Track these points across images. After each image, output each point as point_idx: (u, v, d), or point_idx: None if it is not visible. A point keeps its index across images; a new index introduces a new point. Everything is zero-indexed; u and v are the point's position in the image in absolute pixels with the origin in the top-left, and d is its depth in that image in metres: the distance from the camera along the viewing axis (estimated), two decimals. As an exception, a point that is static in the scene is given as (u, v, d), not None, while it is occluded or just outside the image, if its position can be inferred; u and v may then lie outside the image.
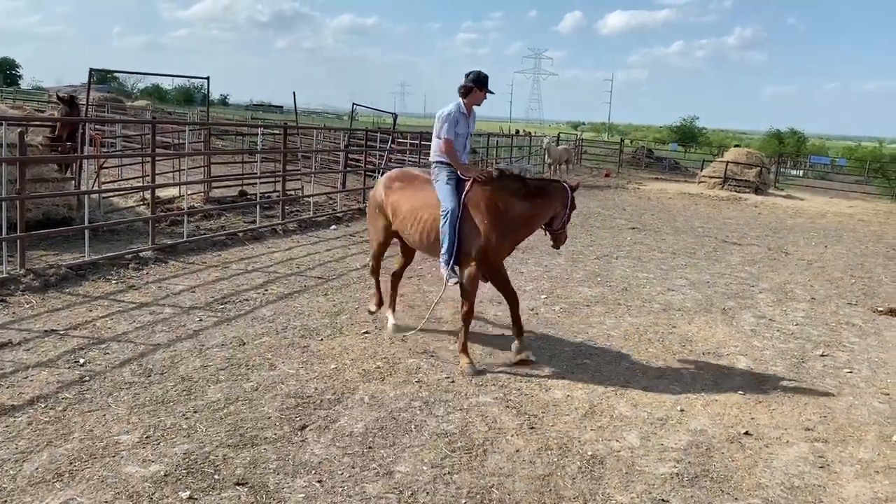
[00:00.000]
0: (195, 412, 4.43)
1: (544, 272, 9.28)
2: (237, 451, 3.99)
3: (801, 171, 42.90)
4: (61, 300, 6.50)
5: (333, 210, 13.18)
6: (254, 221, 11.00)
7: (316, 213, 12.52)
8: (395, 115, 21.19)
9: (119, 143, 18.37)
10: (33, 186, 8.37)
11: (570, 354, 6.11)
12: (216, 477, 3.71)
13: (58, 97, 12.56)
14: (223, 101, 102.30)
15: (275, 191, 13.53)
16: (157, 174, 9.35)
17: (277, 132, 20.00)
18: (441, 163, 5.66)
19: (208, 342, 5.71)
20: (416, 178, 5.98)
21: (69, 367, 4.98)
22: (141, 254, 8.26)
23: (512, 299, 5.81)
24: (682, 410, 5.06)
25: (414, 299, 7.44)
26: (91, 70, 11.92)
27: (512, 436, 4.46)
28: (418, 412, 4.69)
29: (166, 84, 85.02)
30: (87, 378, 4.82)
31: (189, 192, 11.86)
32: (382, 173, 6.89)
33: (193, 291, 7.15)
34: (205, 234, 9.83)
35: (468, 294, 5.55)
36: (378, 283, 6.45)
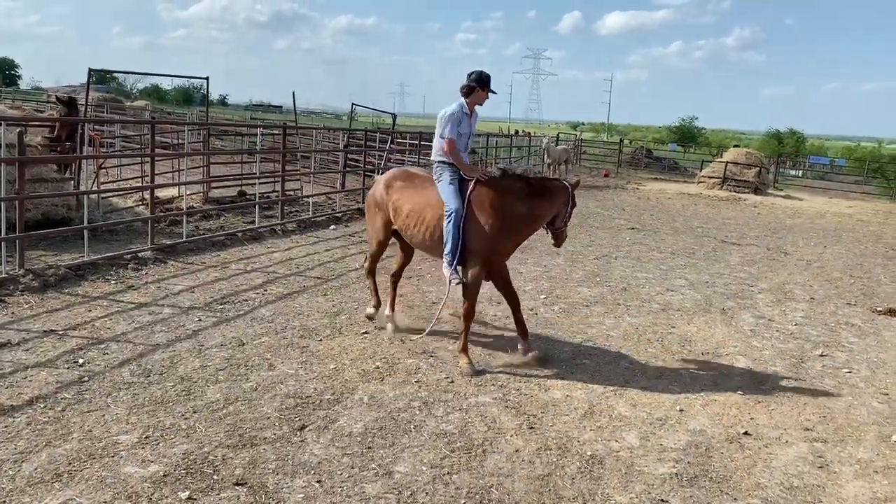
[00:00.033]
0: (194, 412, 4.43)
1: (543, 272, 9.29)
2: (236, 452, 3.99)
3: (801, 172, 42.94)
4: (60, 300, 6.50)
5: (333, 210, 13.18)
6: (253, 222, 10.99)
7: (315, 214, 12.52)
8: (394, 116, 21.20)
9: (118, 144, 18.35)
10: (32, 186, 8.36)
11: (570, 354, 6.11)
12: (215, 477, 3.71)
13: (57, 98, 12.57)
14: (222, 102, 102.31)
15: (274, 191, 13.53)
16: (157, 174, 9.34)
17: (276, 132, 20.01)
18: (443, 162, 5.65)
19: (207, 342, 5.71)
20: (417, 177, 5.98)
21: (68, 368, 4.98)
22: (140, 254, 8.25)
23: (513, 300, 5.82)
24: (681, 410, 5.06)
25: (413, 299, 7.44)
26: (90, 70, 11.92)
27: (511, 436, 4.46)
28: (417, 412, 4.69)
29: (165, 84, 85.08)
30: (86, 378, 4.82)
31: (188, 193, 11.85)
32: (381, 174, 6.88)
33: (192, 292, 7.14)
34: (204, 234, 9.83)
35: (470, 294, 5.56)
36: (375, 284, 6.42)
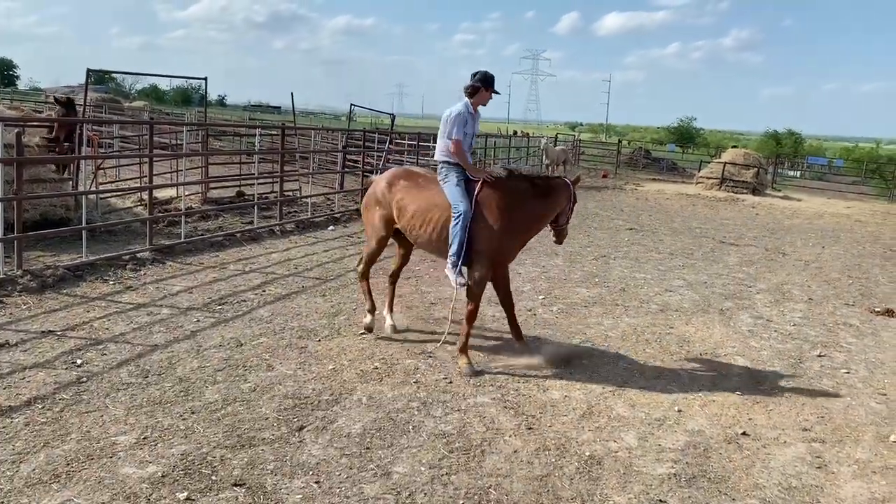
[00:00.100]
0: (192, 413, 4.43)
1: (542, 273, 9.29)
2: (235, 452, 3.98)
3: (799, 172, 43.03)
4: (58, 301, 6.49)
5: (331, 211, 13.18)
6: (251, 222, 10.99)
7: (314, 214, 12.52)
8: (392, 116, 21.19)
9: (117, 144, 18.34)
10: (31, 187, 8.36)
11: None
12: (214, 478, 3.71)
13: (55, 99, 12.55)
14: (221, 102, 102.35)
15: (272, 191, 13.53)
16: (155, 175, 9.33)
17: (275, 133, 20.00)
18: (449, 163, 5.64)
19: (206, 343, 5.70)
20: (420, 176, 5.96)
21: (66, 368, 4.98)
22: (138, 255, 8.25)
23: (509, 302, 5.84)
24: (679, 411, 5.06)
25: (412, 300, 7.44)
26: (88, 70, 11.92)
27: (510, 436, 4.46)
28: (416, 413, 4.69)
29: (164, 85, 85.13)
30: (85, 379, 4.81)
31: (187, 193, 11.86)
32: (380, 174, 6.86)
33: (191, 292, 7.14)
34: (202, 234, 9.83)
35: (475, 296, 5.56)
36: (369, 288, 6.25)
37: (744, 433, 4.77)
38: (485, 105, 5.80)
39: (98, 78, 47.41)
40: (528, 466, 4.10)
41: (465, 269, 5.54)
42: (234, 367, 5.24)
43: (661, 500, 3.85)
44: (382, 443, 4.23)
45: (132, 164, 14.52)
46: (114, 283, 7.21)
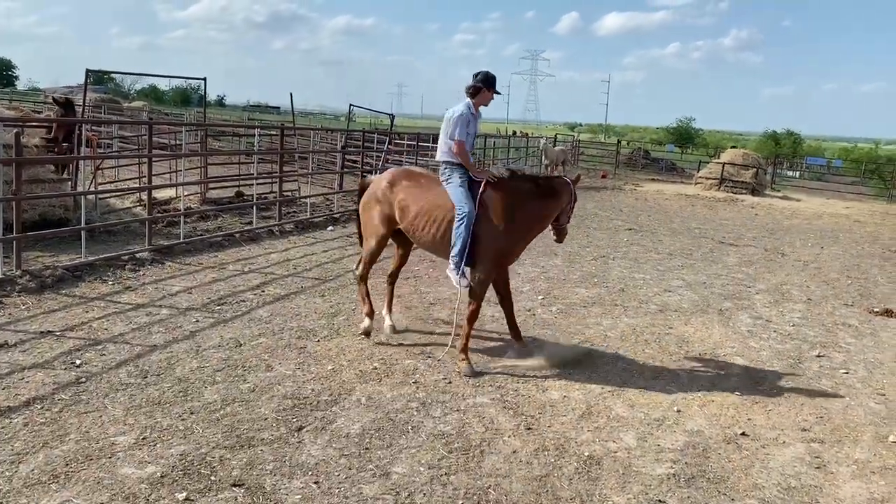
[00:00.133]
0: (192, 413, 4.43)
1: (541, 273, 9.29)
2: (234, 453, 3.98)
3: (798, 173, 43.06)
4: (57, 301, 6.49)
5: (330, 211, 13.17)
6: (250, 222, 10.98)
7: (313, 215, 12.51)
8: (392, 116, 21.18)
9: (116, 144, 18.32)
10: (30, 187, 8.35)
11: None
12: (213, 478, 3.71)
13: (53, 99, 12.55)
14: (220, 102, 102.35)
15: (272, 192, 13.53)
16: (154, 175, 9.34)
17: (274, 133, 19.99)
18: (452, 164, 5.62)
19: (205, 343, 5.70)
20: (421, 176, 5.94)
21: (65, 369, 4.97)
22: (137, 255, 8.25)
23: (509, 303, 5.86)
24: (678, 411, 5.06)
25: (411, 300, 7.44)
26: (88, 71, 11.92)
27: (509, 437, 4.46)
28: (415, 413, 4.69)
29: (163, 85, 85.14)
30: (84, 379, 4.81)
31: (186, 193, 11.86)
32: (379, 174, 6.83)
33: (190, 293, 7.14)
34: (201, 235, 9.82)
35: (478, 297, 5.56)
36: (367, 291, 6.13)
37: (743, 433, 4.77)
38: (486, 105, 5.81)
39: (97, 78, 47.41)
40: (527, 467, 4.10)
41: (467, 269, 5.53)
42: (233, 367, 5.24)
43: (660, 501, 3.85)
44: (381, 443, 4.23)
45: (131, 165, 14.51)
46: (113, 284, 7.21)
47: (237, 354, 5.50)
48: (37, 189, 8.74)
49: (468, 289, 5.56)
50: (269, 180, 13.91)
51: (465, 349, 5.56)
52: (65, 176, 10.29)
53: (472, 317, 5.60)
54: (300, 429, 4.33)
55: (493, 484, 3.87)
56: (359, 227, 6.34)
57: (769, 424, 4.97)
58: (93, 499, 3.44)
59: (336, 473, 3.85)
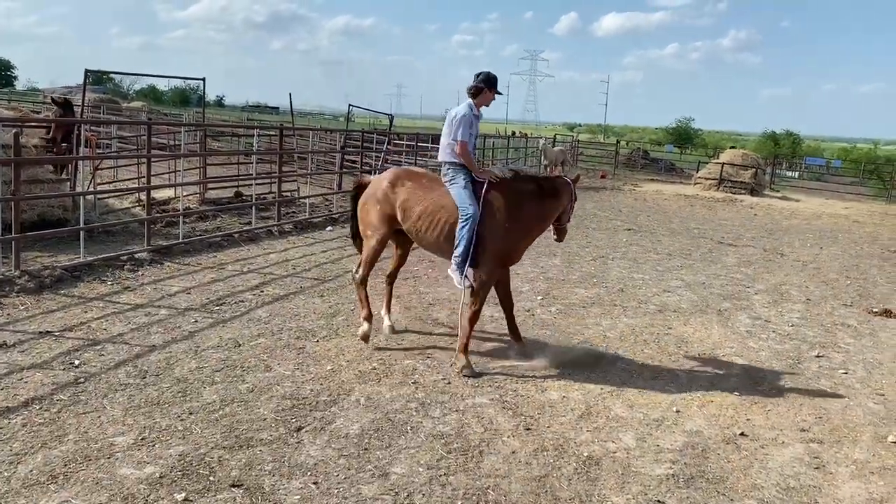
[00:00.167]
0: (190, 414, 4.42)
1: (540, 273, 9.29)
2: (233, 453, 3.98)
3: (797, 173, 43.08)
4: (56, 301, 6.48)
5: (329, 211, 13.17)
6: (249, 223, 10.98)
7: (312, 215, 12.51)
8: (391, 117, 21.18)
9: (115, 145, 18.33)
10: (28, 187, 8.34)
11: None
12: (211, 479, 3.70)
13: (52, 100, 12.54)
14: (219, 103, 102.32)
15: (271, 192, 13.52)
16: (153, 175, 9.34)
17: (273, 133, 19.99)
18: (455, 165, 5.61)
19: (204, 344, 5.70)
20: (423, 176, 5.91)
21: (64, 369, 4.97)
22: (136, 255, 8.24)
23: (509, 303, 5.87)
24: (677, 411, 5.06)
25: (410, 300, 7.44)
26: (87, 71, 11.91)
27: (508, 437, 4.46)
28: (414, 413, 4.69)
29: (162, 85, 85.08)
30: (82, 380, 4.80)
31: (185, 194, 11.85)
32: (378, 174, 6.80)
33: (189, 293, 7.13)
34: (200, 235, 9.82)
35: (481, 298, 5.56)
36: (367, 295, 6.01)
37: (742, 434, 4.77)
38: (488, 106, 5.81)
39: (96, 78, 47.39)
40: (526, 467, 4.10)
41: (469, 270, 5.52)
42: (232, 367, 5.24)
43: (659, 501, 3.85)
44: (380, 443, 4.23)
45: (130, 165, 14.50)
46: (111, 284, 7.20)
47: (236, 355, 5.50)
48: (36, 189, 8.73)
49: (470, 289, 5.55)
50: (268, 181, 13.90)
51: (464, 349, 5.56)
52: (64, 176, 10.28)
53: (474, 317, 5.60)
54: (299, 429, 4.33)
55: (492, 484, 3.87)
56: (353, 228, 6.29)
57: (768, 425, 4.97)
58: (91, 499, 3.44)
59: (335, 474, 3.85)
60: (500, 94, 5.80)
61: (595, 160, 36.73)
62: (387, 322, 6.27)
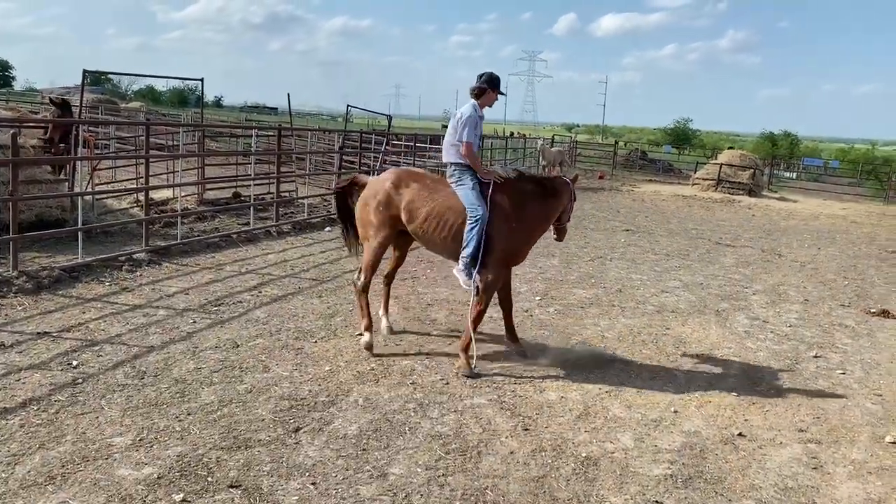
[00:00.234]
0: (189, 414, 4.42)
1: (539, 274, 9.29)
2: (231, 454, 3.97)
3: (795, 174, 43.12)
4: (54, 302, 6.48)
5: (328, 212, 13.16)
6: (248, 223, 10.97)
7: (310, 215, 12.51)
8: (389, 117, 21.18)
9: (113, 145, 18.29)
10: (26, 188, 8.34)
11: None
12: (210, 479, 3.70)
13: (50, 100, 12.53)
14: (217, 103, 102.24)
15: (269, 193, 13.51)
16: (151, 176, 9.33)
17: (272, 134, 19.99)
18: (461, 166, 5.60)
19: (202, 344, 5.69)
20: (426, 177, 5.88)
21: (62, 370, 4.96)
22: (134, 256, 8.23)
23: (509, 302, 5.89)
24: (675, 412, 5.07)
25: (409, 301, 7.44)
26: (85, 72, 11.89)
27: (506, 437, 4.46)
28: (412, 414, 4.69)
29: (160, 86, 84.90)
30: (80, 380, 4.80)
31: (183, 194, 11.83)
32: (378, 174, 6.79)
33: (187, 293, 7.13)
34: (198, 235, 9.81)
35: (487, 298, 5.56)
36: (368, 303, 5.90)
37: (740, 434, 4.78)
38: (490, 106, 5.81)
39: (94, 79, 47.32)
40: (524, 468, 4.10)
41: (475, 271, 5.50)
42: (230, 368, 5.23)
43: (657, 501, 3.85)
44: (379, 444, 4.23)
45: (128, 166, 14.47)
46: (110, 285, 7.20)
47: (234, 355, 5.50)
48: (34, 190, 8.72)
49: (476, 290, 5.54)
50: (267, 181, 13.90)
51: (465, 349, 5.56)
52: (62, 177, 10.27)
53: (478, 318, 5.60)
54: (297, 430, 4.33)
55: (491, 485, 3.87)
56: (345, 231, 6.24)
57: (766, 425, 4.97)
58: (89, 500, 3.44)
59: (333, 474, 3.85)
60: (503, 94, 5.81)
61: (593, 161, 36.76)
62: (385, 323, 6.26)
